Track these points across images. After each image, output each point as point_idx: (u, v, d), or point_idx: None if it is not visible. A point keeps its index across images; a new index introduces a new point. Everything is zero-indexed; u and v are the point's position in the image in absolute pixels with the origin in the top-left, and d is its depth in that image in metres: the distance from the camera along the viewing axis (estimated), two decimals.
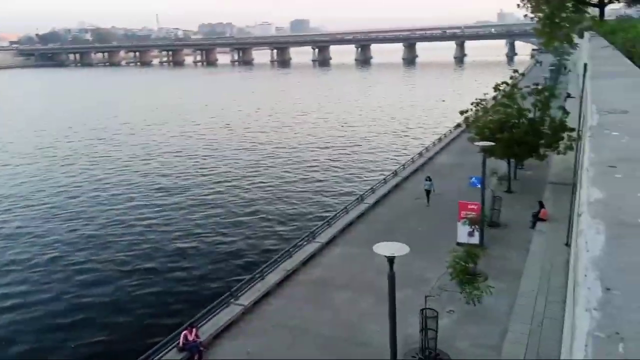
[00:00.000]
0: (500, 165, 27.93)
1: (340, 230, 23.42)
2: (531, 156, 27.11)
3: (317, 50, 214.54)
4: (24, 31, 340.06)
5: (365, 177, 38.19)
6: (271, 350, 14.79)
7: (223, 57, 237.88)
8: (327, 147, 49.30)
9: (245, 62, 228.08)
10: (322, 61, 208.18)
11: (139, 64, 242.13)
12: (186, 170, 42.42)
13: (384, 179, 31.28)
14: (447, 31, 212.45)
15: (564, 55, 76.96)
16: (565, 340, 3.90)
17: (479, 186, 21.00)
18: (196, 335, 14.83)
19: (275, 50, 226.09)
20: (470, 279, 14.87)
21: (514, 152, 26.37)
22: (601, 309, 1.62)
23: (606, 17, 29.29)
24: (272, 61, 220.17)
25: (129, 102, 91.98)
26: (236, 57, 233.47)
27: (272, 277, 18.80)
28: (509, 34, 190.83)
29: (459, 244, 19.63)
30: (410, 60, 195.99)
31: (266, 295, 17.82)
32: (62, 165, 45.87)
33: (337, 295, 17.71)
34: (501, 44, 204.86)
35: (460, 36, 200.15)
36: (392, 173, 32.67)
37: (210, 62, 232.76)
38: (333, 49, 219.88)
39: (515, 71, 34.43)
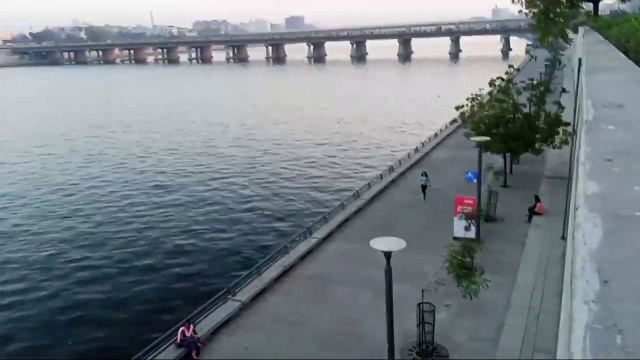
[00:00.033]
0: (496, 160, 27.96)
1: (337, 226, 23.44)
2: (527, 151, 27.18)
3: (312, 47, 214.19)
4: (18, 30, 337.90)
5: (362, 173, 38.21)
6: (269, 345, 14.82)
7: (218, 55, 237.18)
8: (323, 144, 49.28)
9: (241, 59, 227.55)
10: (318, 58, 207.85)
11: (133, 61, 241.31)
12: (183, 167, 42.34)
13: (380, 175, 31.30)
14: (442, 27, 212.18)
15: (559, 51, 77.13)
16: (562, 332, 3.93)
17: (475, 181, 21.05)
18: (193, 332, 14.85)
19: (270, 48, 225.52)
20: (467, 273, 14.89)
21: (509, 146, 26.43)
22: (599, 302, 1.64)
23: (600, 12, 29.36)
24: (267, 58, 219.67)
25: (124, 100, 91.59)
26: (231, 55, 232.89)
27: (269, 273, 18.82)
28: (503, 29, 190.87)
29: (455, 238, 19.67)
30: (405, 56, 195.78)
31: (263, 291, 17.84)
32: (59, 163, 45.73)
33: (335, 291, 17.75)
34: (496, 40, 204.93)
35: (455, 32, 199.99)
36: (389, 169, 32.70)
37: (205, 60, 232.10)
38: (328, 45, 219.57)
39: (511, 66, 34.45)
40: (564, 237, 18.64)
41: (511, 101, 27.13)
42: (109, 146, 52.21)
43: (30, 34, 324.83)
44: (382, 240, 10.73)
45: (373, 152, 45.03)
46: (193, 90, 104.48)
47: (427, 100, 74.62)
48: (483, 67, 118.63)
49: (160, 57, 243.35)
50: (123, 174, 41.07)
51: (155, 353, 14.48)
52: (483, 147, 21.17)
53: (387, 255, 10.55)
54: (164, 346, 14.73)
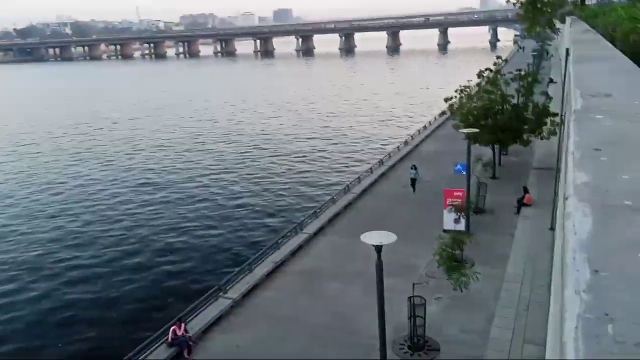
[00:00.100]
0: (485, 151, 28.12)
1: (327, 221, 23.44)
2: (515, 142, 27.35)
3: (300, 40, 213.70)
4: (1, 26, 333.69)
5: (352, 166, 38.24)
6: (261, 342, 14.80)
7: (205, 49, 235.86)
8: (312, 138, 49.24)
9: (229, 53, 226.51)
10: (306, 51, 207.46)
11: (120, 57, 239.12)
12: (172, 164, 42.12)
13: (370, 169, 31.34)
14: (430, 18, 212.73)
15: (546, 41, 77.53)
16: (552, 323, 3.94)
17: (464, 173, 21.13)
18: (185, 330, 14.78)
19: (258, 41, 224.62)
20: (457, 266, 14.99)
21: (498, 138, 26.57)
22: (590, 291, 1.62)
23: (587, 2, 29.48)
24: (255, 52, 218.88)
25: (111, 96, 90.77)
26: (219, 49, 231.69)
27: (261, 270, 18.78)
28: (491, 20, 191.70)
29: (445, 231, 19.78)
30: (394, 48, 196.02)
31: (255, 287, 17.80)
32: (46, 162, 45.30)
33: (326, 285, 17.76)
34: (484, 31, 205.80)
35: (443, 23, 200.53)
36: (378, 162, 32.75)
37: (192, 54, 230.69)
38: (317, 38, 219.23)
39: (499, 57, 34.58)
40: (552, 228, 18.79)
41: (499, 92, 27.25)
42: (96, 143, 51.77)
43: (14, 30, 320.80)
44: (373, 234, 10.72)
45: (363, 146, 45.06)
46: (180, 85, 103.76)
47: (416, 93, 74.81)
48: (471, 58, 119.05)
49: (147, 52, 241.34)
50: (111, 171, 40.76)
51: (146, 353, 14.39)
52: (472, 138, 21.25)
53: (378, 249, 10.55)
54: (156, 345, 14.64)
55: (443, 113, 36.87)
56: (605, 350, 1.34)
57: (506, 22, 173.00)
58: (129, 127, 60.09)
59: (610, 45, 8.91)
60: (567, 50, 12.28)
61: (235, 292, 17.33)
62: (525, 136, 26.96)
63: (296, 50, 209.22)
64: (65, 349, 18.10)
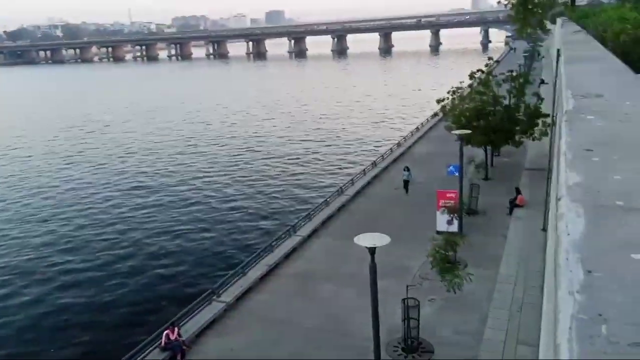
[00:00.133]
0: (477, 152, 28.22)
1: (321, 223, 23.41)
2: (507, 143, 27.44)
3: (293, 41, 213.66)
4: None
5: (345, 168, 38.26)
6: (255, 345, 14.75)
7: (198, 51, 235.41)
8: (306, 140, 49.23)
9: (221, 55, 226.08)
10: (299, 52, 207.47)
11: (111, 59, 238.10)
12: (164, 167, 41.95)
13: (364, 170, 31.36)
14: (422, 20, 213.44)
15: (537, 42, 77.95)
16: (545, 324, 3.95)
17: (457, 174, 21.18)
18: (178, 334, 14.71)
19: (250, 43, 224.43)
20: (451, 267, 15.00)
21: (490, 139, 26.65)
22: (583, 292, 1.62)
23: (577, 3, 29.71)
24: (248, 54, 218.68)
25: (102, 99, 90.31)
26: (211, 51, 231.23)
27: (254, 273, 18.72)
28: (483, 21, 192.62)
29: (438, 232, 19.81)
30: (386, 49, 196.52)
31: (248, 290, 17.74)
32: (38, 165, 45.00)
33: (320, 288, 17.73)
34: (476, 32, 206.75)
35: (435, 25, 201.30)
36: (371, 164, 32.78)
37: (184, 56, 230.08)
38: (309, 40, 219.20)
39: (490, 58, 34.79)
40: (544, 229, 18.87)
41: (491, 94, 27.36)
42: (88, 147, 51.49)
43: (5, 32, 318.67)
44: (366, 236, 10.72)
45: (356, 148, 45.11)
46: (172, 87, 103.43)
47: (409, 94, 75.01)
48: (463, 59, 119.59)
49: (138, 54, 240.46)
50: (103, 175, 40.54)
51: (140, 357, 14.30)
52: (464, 140, 21.31)
53: (372, 251, 10.54)
54: (149, 350, 14.56)
55: (435, 114, 37.01)
56: (599, 350, 1.34)
57: (497, 23, 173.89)
58: (121, 130, 59.80)
59: (600, 46, 8.97)
60: (558, 51, 12.34)
61: (229, 295, 17.26)
62: (517, 137, 27.06)
63: (289, 52, 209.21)
64: (59, 354, 17.97)
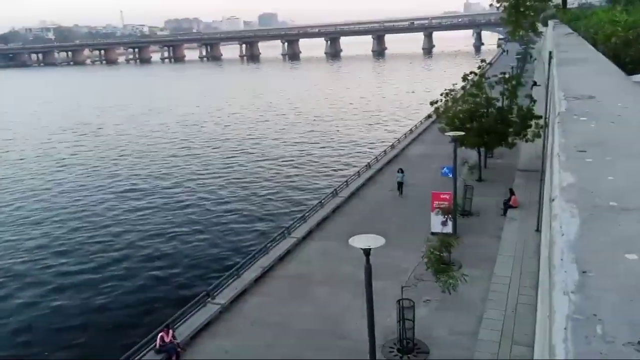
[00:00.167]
0: (470, 154, 28.32)
1: (315, 225, 23.41)
2: (500, 145, 27.56)
3: (286, 44, 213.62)
4: None
5: (339, 170, 38.29)
6: (250, 348, 14.72)
7: (191, 53, 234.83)
8: (300, 142, 49.22)
9: (214, 57, 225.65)
10: (292, 55, 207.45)
11: (104, 62, 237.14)
12: (158, 169, 41.81)
13: (358, 172, 31.39)
14: (415, 22, 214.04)
15: (530, 44, 78.39)
16: (540, 324, 3.96)
17: (451, 176, 21.25)
18: (173, 337, 14.65)
19: (244, 45, 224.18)
20: (445, 268, 15.05)
21: (483, 141, 26.76)
22: (578, 292, 1.63)
23: (569, 5, 29.91)
24: (241, 56, 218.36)
25: (96, 102, 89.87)
26: (204, 53, 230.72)
27: (249, 275, 18.69)
28: (475, 24, 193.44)
29: (433, 233, 19.86)
30: (379, 52, 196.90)
31: (243, 293, 17.71)
32: (31, 168, 44.71)
33: (315, 290, 17.72)
34: (468, 34, 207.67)
35: (428, 27, 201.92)
36: (366, 166, 32.82)
37: (177, 59, 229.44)
38: (302, 42, 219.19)
39: (483, 61, 34.87)
40: (538, 230, 18.96)
41: (484, 95, 27.47)
42: (81, 149, 51.22)
43: None
44: (361, 237, 10.73)
45: (350, 149, 45.16)
46: (166, 90, 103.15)
47: (402, 96, 75.17)
48: (456, 61, 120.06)
49: (131, 57, 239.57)
50: (97, 177, 40.36)
51: (134, 359, 14.24)
52: (458, 141, 21.38)
53: (367, 252, 10.55)
54: (144, 352, 14.51)
55: (429, 116, 37.05)
56: (595, 350, 1.35)
57: (490, 25, 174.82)
58: (114, 133, 59.57)
59: (592, 48, 9.04)
60: (550, 53, 12.42)
61: (223, 297, 17.22)
62: (510, 139, 27.18)
63: (282, 54, 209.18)
64: (53, 356, 17.90)
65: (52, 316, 20.42)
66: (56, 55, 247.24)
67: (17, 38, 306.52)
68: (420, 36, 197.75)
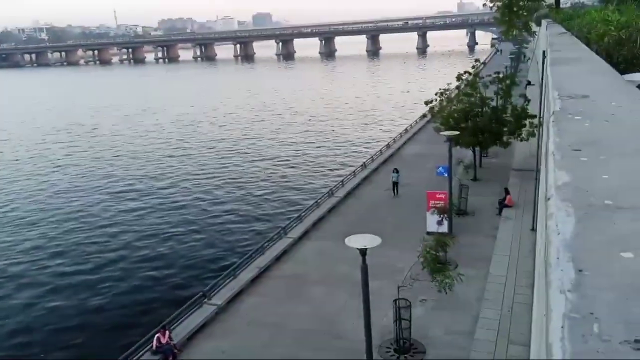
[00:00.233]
0: (465, 153, 28.39)
1: (312, 225, 23.42)
2: (495, 144, 27.65)
3: (280, 44, 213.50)
4: None
5: (335, 170, 38.30)
6: (247, 348, 14.70)
7: (185, 53, 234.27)
8: (295, 142, 49.20)
9: (208, 57, 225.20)
10: (287, 55, 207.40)
11: (98, 62, 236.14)
12: (154, 170, 41.70)
13: (353, 172, 31.43)
14: (409, 22, 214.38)
15: (523, 44, 78.69)
16: (536, 323, 3.98)
17: (446, 175, 21.30)
18: (169, 338, 14.62)
19: (238, 45, 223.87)
20: (441, 268, 15.09)
21: (478, 140, 26.85)
22: (575, 290, 1.64)
23: (562, 5, 30.02)
24: (235, 56, 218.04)
25: (90, 103, 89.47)
26: (198, 53, 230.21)
27: (245, 275, 18.67)
28: (469, 23, 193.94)
29: (428, 233, 19.90)
30: (374, 52, 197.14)
31: (240, 293, 17.69)
32: (26, 169, 44.47)
33: (312, 290, 17.72)
34: (462, 34, 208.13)
35: (422, 27, 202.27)
36: (361, 165, 32.85)
37: (171, 59, 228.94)
38: (297, 42, 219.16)
39: (477, 60, 34.98)
40: (534, 229, 19.02)
41: (479, 95, 27.56)
42: (76, 150, 51.01)
43: None
44: (357, 237, 10.74)
45: (345, 149, 45.19)
46: (160, 90, 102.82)
47: (397, 96, 75.26)
48: (450, 61, 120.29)
49: (125, 57, 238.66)
50: (92, 178, 40.20)
51: None
52: (453, 141, 21.43)
53: (363, 252, 10.56)
54: (140, 353, 14.47)
55: (424, 116, 37.12)
56: (592, 349, 1.36)
57: (483, 25, 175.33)
58: (109, 133, 59.35)
59: (585, 47, 9.08)
60: (544, 52, 12.47)
61: (220, 298, 17.19)
62: (505, 138, 27.27)
63: (277, 54, 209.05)
64: (50, 357, 17.85)
65: (49, 317, 20.36)
66: (49, 55, 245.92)
67: (9, 38, 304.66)
68: (414, 36, 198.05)
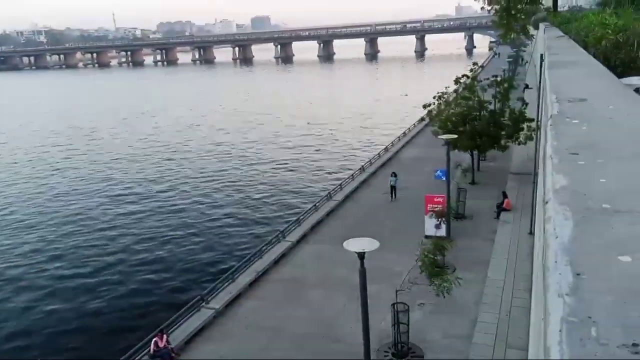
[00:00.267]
0: (463, 157, 28.42)
1: (310, 228, 23.41)
2: (493, 147, 27.67)
3: (279, 47, 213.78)
4: None
5: (334, 173, 38.32)
6: (245, 352, 14.66)
7: (184, 56, 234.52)
8: (293, 146, 49.21)
9: (207, 60, 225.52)
10: (285, 58, 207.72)
11: (96, 65, 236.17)
12: (153, 173, 41.68)
13: (352, 175, 31.44)
14: (408, 25, 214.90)
15: (521, 47, 78.88)
16: (534, 326, 3.97)
17: (444, 179, 21.32)
18: (167, 342, 14.58)
19: (237, 48, 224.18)
20: (439, 271, 15.07)
21: (476, 143, 26.87)
22: (573, 294, 1.63)
23: (559, 9, 30.12)
24: (234, 59, 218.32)
25: (89, 106, 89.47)
26: (197, 56, 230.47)
27: (243, 279, 18.65)
28: (467, 27, 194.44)
29: (427, 236, 19.90)
30: (372, 55, 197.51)
31: (238, 297, 17.67)
32: (25, 172, 44.42)
33: (310, 293, 17.70)
34: (460, 37, 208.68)
35: (420, 30, 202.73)
36: (359, 169, 32.87)
37: (170, 62, 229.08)
38: (295, 45, 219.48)
39: (475, 64, 35.06)
40: (531, 232, 19.02)
41: (476, 98, 27.61)
42: (75, 153, 50.96)
43: None
44: (356, 241, 10.72)
45: (344, 153, 45.21)
46: (159, 92, 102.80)
47: (395, 99, 75.34)
48: (448, 64, 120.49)
49: (124, 60, 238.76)
50: (91, 181, 40.16)
51: None
52: (451, 144, 21.46)
53: (361, 256, 10.55)
54: (138, 357, 14.43)
55: (422, 119, 37.24)
56: (590, 352, 1.35)
57: (481, 28, 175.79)
58: (108, 136, 59.34)
59: (583, 51, 9.10)
60: (542, 56, 12.51)
61: (218, 302, 17.16)
62: (502, 142, 27.30)
63: (275, 57, 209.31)
64: None
65: (47, 320, 20.32)
66: (48, 58, 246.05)
67: (8, 41, 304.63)
68: (412, 39, 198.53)
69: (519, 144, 27.23)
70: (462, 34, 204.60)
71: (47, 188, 39.00)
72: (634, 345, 1.33)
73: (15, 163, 48.30)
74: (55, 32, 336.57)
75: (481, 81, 29.44)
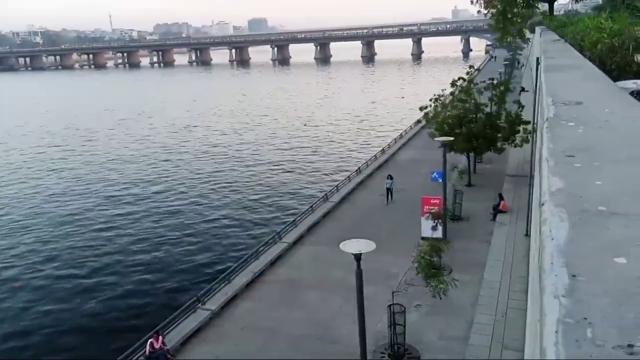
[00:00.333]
0: (460, 159, 28.48)
1: (306, 230, 23.40)
2: (489, 150, 27.76)
3: (276, 49, 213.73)
4: None
5: (330, 175, 38.32)
6: (241, 353, 14.64)
7: (180, 58, 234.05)
8: (290, 147, 49.19)
9: (203, 62, 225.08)
10: (282, 60, 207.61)
11: (92, 66, 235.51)
12: (149, 175, 41.56)
13: (348, 177, 31.46)
14: (404, 28, 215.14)
15: (517, 50, 79.17)
16: (531, 327, 3.99)
17: (441, 181, 21.36)
18: (163, 343, 14.54)
19: (234, 50, 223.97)
20: (436, 273, 15.09)
21: (473, 146, 26.94)
22: (569, 296, 1.65)
23: (555, 12, 30.27)
24: (231, 61, 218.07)
25: (85, 107, 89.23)
26: (194, 58, 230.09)
27: (240, 280, 18.63)
28: (463, 30, 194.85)
29: (423, 238, 19.92)
30: (369, 57, 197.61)
31: (234, 298, 17.64)
32: (20, 173, 44.20)
33: (306, 295, 17.69)
34: (457, 41, 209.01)
35: (416, 33, 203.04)
36: (356, 171, 32.89)
37: (167, 63, 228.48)
38: (292, 48, 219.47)
39: (471, 66, 35.16)
40: (528, 234, 19.08)
41: (473, 101, 27.69)
42: (71, 154, 50.76)
43: None
44: (352, 242, 10.74)
45: (340, 155, 45.23)
46: (155, 94, 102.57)
47: (392, 101, 75.45)
48: (445, 67, 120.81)
49: (120, 61, 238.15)
50: (87, 182, 40.01)
51: None
52: (447, 146, 21.51)
53: (357, 257, 10.56)
54: (133, 358, 14.39)
55: (418, 122, 37.31)
56: (586, 353, 1.37)
57: (478, 32, 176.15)
58: (104, 136, 59.14)
59: (578, 54, 9.15)
60: (538, 59, 12.56)
61: (214, 303, 17.13)
62: (499, 144, 27.39)
63: (272, 59, 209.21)
64: None
65: (43, 320, 20.24)
66: (44, 59, 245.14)
67: (4, 42, 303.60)
68: (409, 42, 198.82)
69: (515, 146, 27.31)
70: (458, 37, 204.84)
71: (43, 188, 38.85)
72: (629, 346, 1.35)
73: (11, 163, 48.10)
74: (52, 33, 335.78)
75: (477, 84, 29.51)
